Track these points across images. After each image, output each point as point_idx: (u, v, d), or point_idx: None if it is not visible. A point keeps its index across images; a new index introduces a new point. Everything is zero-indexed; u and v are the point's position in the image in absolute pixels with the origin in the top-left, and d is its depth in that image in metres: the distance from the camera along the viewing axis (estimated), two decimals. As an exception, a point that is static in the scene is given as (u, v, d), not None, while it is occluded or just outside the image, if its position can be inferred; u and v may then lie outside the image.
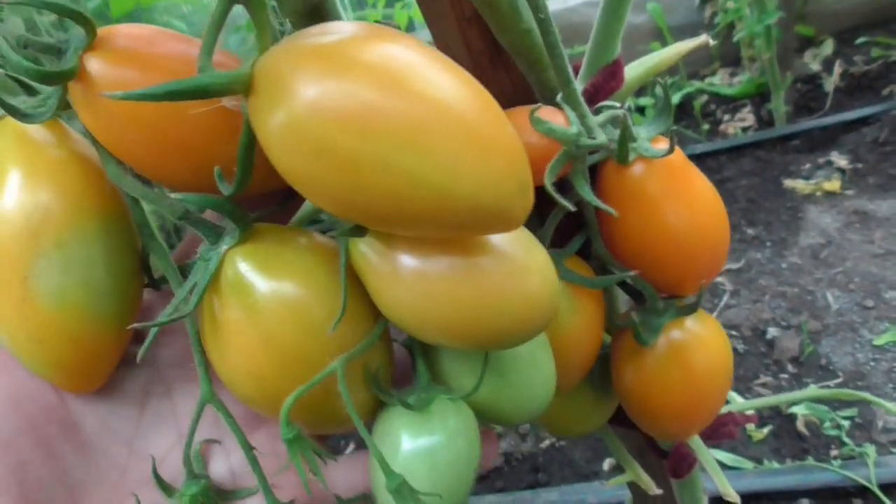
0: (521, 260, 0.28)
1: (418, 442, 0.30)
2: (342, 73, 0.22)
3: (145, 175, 0.29)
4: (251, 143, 0.25)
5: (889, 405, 0.73)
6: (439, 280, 0.27)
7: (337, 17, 0.31)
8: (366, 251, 0.28)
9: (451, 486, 0.30)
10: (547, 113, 0.33)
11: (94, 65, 0.26)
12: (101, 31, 0.27)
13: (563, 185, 0.34)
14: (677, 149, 0.34)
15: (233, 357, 0.29)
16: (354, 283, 0.29)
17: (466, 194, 0.22)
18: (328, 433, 0.33)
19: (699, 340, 0.39)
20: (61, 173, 0.29)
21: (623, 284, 0.41)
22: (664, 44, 2.31)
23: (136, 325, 0.28)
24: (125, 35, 0.27)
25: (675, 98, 2.34)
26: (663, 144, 0.35)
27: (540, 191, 0.31)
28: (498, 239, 0.27)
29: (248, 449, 0.30)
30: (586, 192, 0.34)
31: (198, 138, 0.27)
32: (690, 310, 0.39)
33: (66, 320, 0.29)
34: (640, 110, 2.30)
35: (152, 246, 0.32)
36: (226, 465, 0.33)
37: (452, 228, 0.24)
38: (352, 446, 1.44)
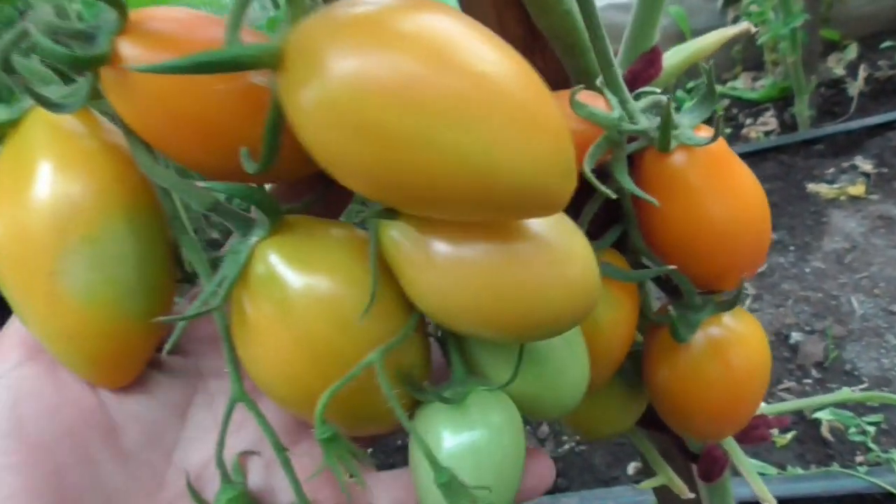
0: (562, 246, 0.26)
1: (460, 438, 0.28)
2: (382, 44, 0.21)
3: (179, 162, 0.28)
4: (278, 122, 0.24)
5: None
6: (476, 267, 0.26)
7: None
8: (397, 238, 0.27)
9: (498, 483, 0.28)
10: (587, 97, 0.32)
11: (127, 49, 0.25)
12: (133, 14, 0.26)
13: (601, 173, 0.33)
14: (720, 138, 0.33)
15: (263, 354, 0.28)
16: (388, 276, 0.28)
17: (512, 173, 0.21)
18: (360, 435, 0.32)
19: (738, 337, 0.37)
20: (91, 165, 0.28)
21: (657, 279, 0.40)
22: (686, 47, 2.29)
23: (161, 318, 0.27)
24: (158, 18, 0.26)
25: (697, 101, 2.33)
26: (705, 133, 0.34)
27: (579, 178, 0.30)
28: (537, 225, 0.26)
29: (281, 450, 0.29)
30: (626, 181, 0.32)
31: (233, 120, 0.26)
32: (729, 305, 0.37)
33: (94, 317, 0.28)
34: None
35: (183, 239, 0.30)
36: (264, 478, 0.32)
37: (494, 210, 0.23)
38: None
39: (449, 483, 0.27)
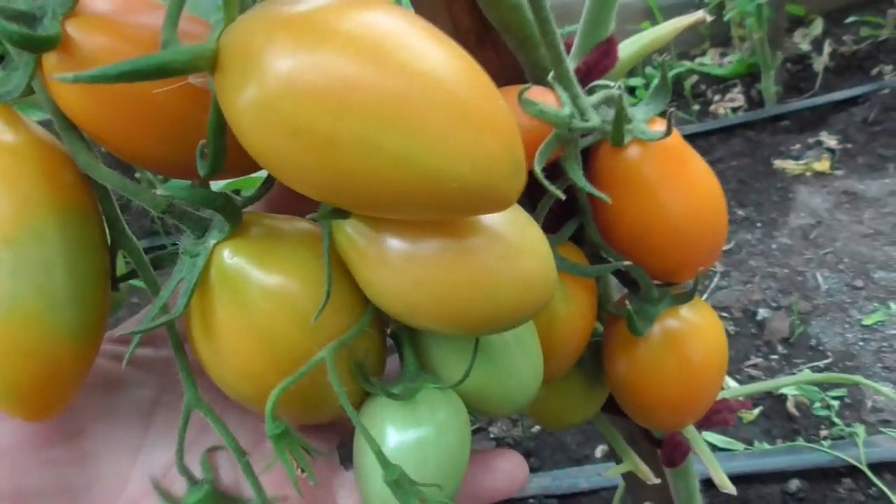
0: (515, 240, 0.26)
1: (406, 435, 0.28)
2: (319, 44, 0.20)
3: (127, 156, 0.27)
4: (221, 123, 0.23)
5: (881, 388, 0.72)
6: (429, 263, 0.25)
7: None
8: (351, 234, 0.27)
9: (443, 481, 0.28)
10: (537, 94, 0.31)
11: (77, 33, 0.24)
12: None
13: (555, 169, 0.32)
14: (675, 131, 0.33)
15: (226, 356, 0.28)
16: (345, 270, 0.28)
17: (457, 175, 0.20)
18: (310, 423, 0.32)
19: (695, 329, 0.38)
20: (14, 161, 0.26)
21: (617, 272, 0.40)
22: (655, 23, 2.28)
23: (123, 332, 0.27)
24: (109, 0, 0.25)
25: (665, 78, 2.33)
26: (660, 126, 0.34)
27: (531, 174, 0.30)
28: (490, 219, 0.26)
29: (241, 454, 0.28)
30: (579, 178, 0.32)
31: (191, 106, 0.25)
32: (686, 298, 0.37)
33: (18, 331, 0.25)
34: (631, 91, 2.28)
35: (123, 244, 0.29)
36: (235, 471, 0.31)
37: (441, 211, 0.22)
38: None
39: (398, 481, 0.27)
